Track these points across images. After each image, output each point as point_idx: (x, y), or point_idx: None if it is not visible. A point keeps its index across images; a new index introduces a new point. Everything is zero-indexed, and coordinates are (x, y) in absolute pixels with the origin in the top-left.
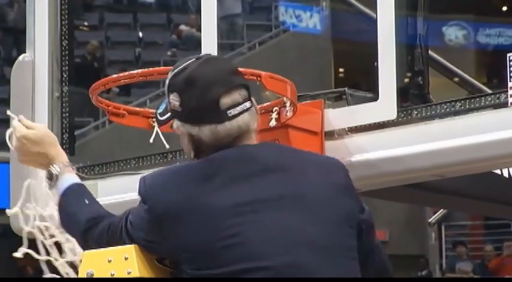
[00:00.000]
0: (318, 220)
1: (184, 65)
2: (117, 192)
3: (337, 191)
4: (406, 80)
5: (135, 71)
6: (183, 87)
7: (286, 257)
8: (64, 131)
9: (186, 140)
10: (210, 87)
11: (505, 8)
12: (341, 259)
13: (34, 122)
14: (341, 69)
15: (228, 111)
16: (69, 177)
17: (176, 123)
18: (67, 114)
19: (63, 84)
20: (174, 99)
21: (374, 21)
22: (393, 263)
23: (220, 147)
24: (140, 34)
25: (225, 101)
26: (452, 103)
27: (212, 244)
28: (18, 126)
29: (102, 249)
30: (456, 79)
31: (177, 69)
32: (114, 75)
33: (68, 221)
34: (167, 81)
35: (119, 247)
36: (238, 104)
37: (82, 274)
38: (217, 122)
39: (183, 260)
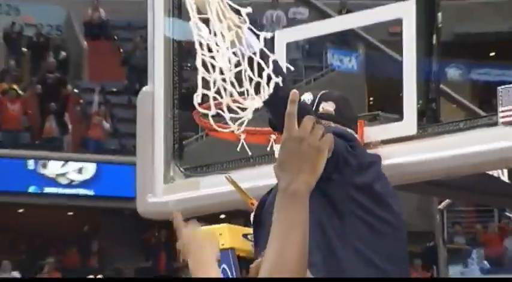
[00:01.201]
0: None
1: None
2: (212, 186)
3: None
4: (423, 105)
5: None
6: (340, 101)
7: None
8: (175, 142)
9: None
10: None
11: (492, 54)
12: None
13: (153, 134)
14: (371, 98)
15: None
16: None
17: (325, 122)
18: (177, 130)
19: (174, 108)
20: (328, 106)
21: (400, 63)
22: (410, 237)
23: None
24: None
25: None
26: (458, 123)
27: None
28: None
29: (206, 227)
30: (457, 105)
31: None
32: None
33: None
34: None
35: (215, 226)
36: None
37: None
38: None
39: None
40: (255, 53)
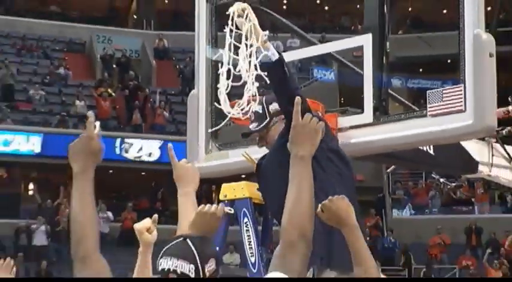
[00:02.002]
0: None
1: None
2: (236, 157)
3: None
4: (377, 103)
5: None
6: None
7: None
8: (212, 126)
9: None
10: None
11: (421, 70)
12: None
13: (198, 121)
14: (342, 98)
15: None
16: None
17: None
18: (213, 119)
19: (211, 104)
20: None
21: (361, 75)
22: (366, 190)
23: None
24: None
25: None
26: (400, 115)
27: None
28: None
29: (233, 183)
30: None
31: None
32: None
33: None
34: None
35: (239, 182)
36: None
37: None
38: None
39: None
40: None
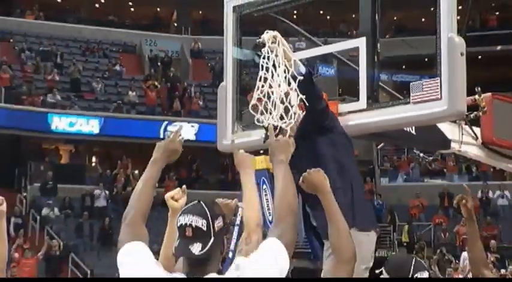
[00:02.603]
0: None
1: None
2: (257, 136)
3: None
4: (370, 93)
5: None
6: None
7: None
8: (237, 111)
9: None
10: None
11: (404, 67)
12: None
13: (226, 108)
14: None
15: None
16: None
17: None
18: (238, 105)
19: (237, 94)
20: None
21: (357, 71)
22: (359, 163)
23: None
24: None
25: None
26: (388, 102)
27: None
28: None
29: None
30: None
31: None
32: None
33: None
34: None
35: (259, 156)
36: None
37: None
38: None
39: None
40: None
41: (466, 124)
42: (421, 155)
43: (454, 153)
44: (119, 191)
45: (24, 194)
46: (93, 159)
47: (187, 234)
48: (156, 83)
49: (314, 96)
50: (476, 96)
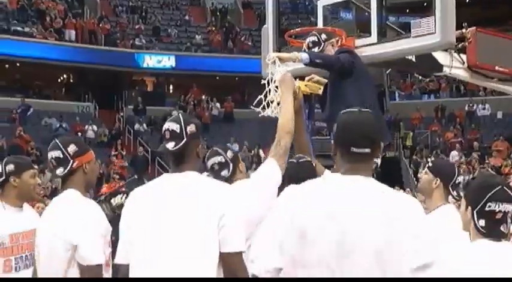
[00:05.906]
0: None
1: None
2: (294, 65)
3: None
4: (379, 30)
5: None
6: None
7: None
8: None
9: None
10: None
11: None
12: None
13: (268, 42)
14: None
15: None
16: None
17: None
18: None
19: (276, 35)
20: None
21: (369, 13)
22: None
23: None
24: None
25: None
26: (394, 37)
27: None
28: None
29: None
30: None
31: None
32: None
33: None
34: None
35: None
36: None
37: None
38: None
39: None
40: None
41: (455, 52)
42: (420, 77)
43: (446, 75)
44: (190, 111)
45: (121, 113)
46: (171, 87)
47: (166, 136)
48: (215, 29)
49: (326, 66)
50: (463, 30)
